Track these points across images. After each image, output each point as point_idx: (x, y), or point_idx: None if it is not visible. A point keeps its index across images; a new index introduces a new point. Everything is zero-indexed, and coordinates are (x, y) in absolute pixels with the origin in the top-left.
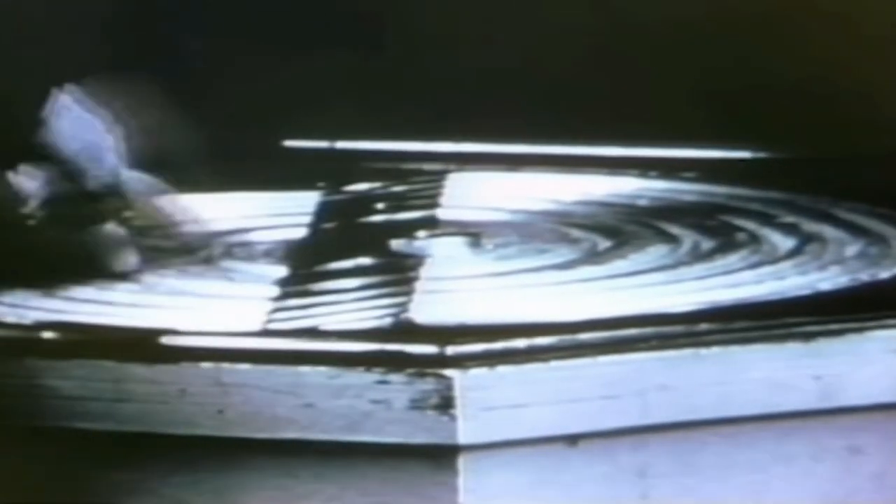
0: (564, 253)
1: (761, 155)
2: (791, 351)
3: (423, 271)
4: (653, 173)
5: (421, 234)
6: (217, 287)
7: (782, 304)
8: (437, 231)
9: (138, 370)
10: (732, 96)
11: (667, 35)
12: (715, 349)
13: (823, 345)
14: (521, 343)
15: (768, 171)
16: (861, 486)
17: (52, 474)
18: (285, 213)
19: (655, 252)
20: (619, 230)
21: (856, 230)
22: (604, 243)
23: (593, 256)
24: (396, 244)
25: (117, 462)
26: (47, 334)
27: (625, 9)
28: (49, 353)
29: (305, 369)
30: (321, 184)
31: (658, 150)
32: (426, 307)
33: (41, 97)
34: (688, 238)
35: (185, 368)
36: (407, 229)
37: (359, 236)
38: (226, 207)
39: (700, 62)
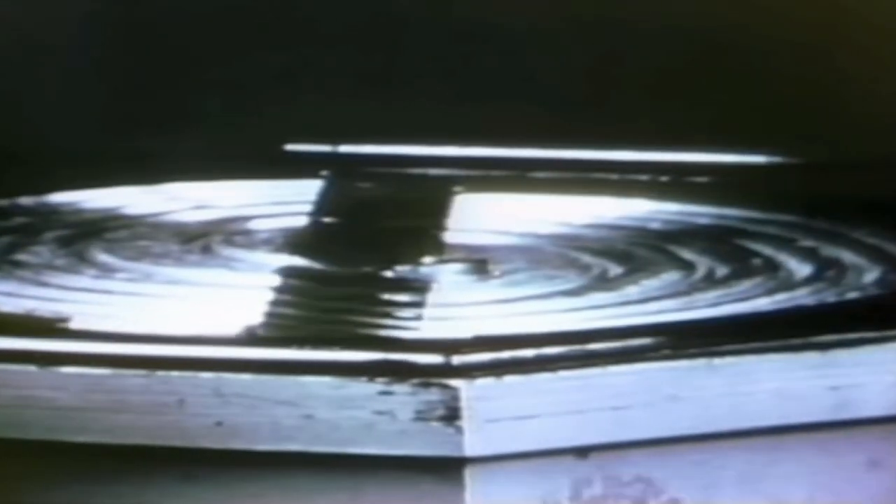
0: (574, 279)
1: (776, 160)
2: (806, 361)
3: (429, 297)
4: (664, 178)
5: (427, 259)
6: (216, 276)
7: (797, 315)
8: (443, 255)
9: (135, 380)
10: (745, 100)
11: (676, 36)
12: (728, 359)
13: (840, 355)
14: (528, 353)
15: (783, 180)
16: (879, 500)
17: (44, 489)
18: (286, 201)
19: (668, 278)
20: (630, 255)
21: (874, 254)
22: (615, 269)
23: (604, 282)
24: (402, 270)
25: (112, 476)
26: (40, 341)
27: (633, 10)
28: (42, 362)
29: (307, 379)
30: (324, 173)
31: (668, 155)
32: (431, 332)
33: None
34: (702, 263)
35: (184, 378)
36: (412, 252)
37: (363, 247)
38: (225, 196)
39: (709, 64)
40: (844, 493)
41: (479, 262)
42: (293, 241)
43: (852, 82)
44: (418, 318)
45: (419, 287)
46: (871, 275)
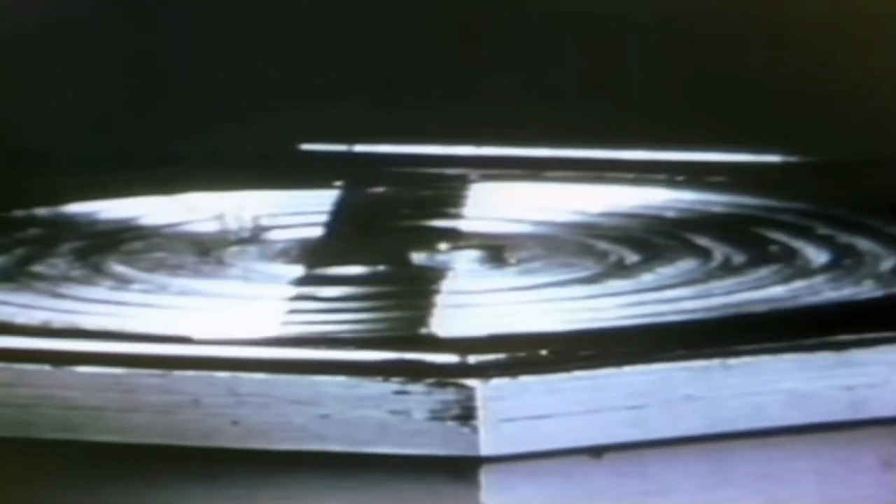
0: (590, 266)
1: (792, 159)
2: (821, 361)
3: (445, 285)
4: (680, 178)
5: (442, 246)
6: (232, 287)
7: (813, 314)
8: (459, 243)
9: (150, 379)
10: (761, 98)
11: (689, 36)
12: (743, 359)
13: (855, 355)
14: (544, 352)
15: (799, 177)
16: (894, 500)
17: (59, 489)
18: (301, 211)
19: (684, 265)
20: (646, 243)
21: (891, 242)
22: (631, 256)
23: (619, 270)
24: (417, 257)
25: (127, 475)
26: (55, 341)
27: (645, 13)
28: (56, 361)
29: (322, 379)
30: (338, 183)
31: (685, 154)
32: (447, 321)
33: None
34: (718, 251)
35: (199, 378)
36: (428, 240)
37: (378, 245)
38: (240, 206)
39: (722, 63)
40: (859, 493)
41: (496, 250)
42: (309, 248)
43: (864, 81)
44: (434, 306)
45: (436, 275)
46: (888, 263)
